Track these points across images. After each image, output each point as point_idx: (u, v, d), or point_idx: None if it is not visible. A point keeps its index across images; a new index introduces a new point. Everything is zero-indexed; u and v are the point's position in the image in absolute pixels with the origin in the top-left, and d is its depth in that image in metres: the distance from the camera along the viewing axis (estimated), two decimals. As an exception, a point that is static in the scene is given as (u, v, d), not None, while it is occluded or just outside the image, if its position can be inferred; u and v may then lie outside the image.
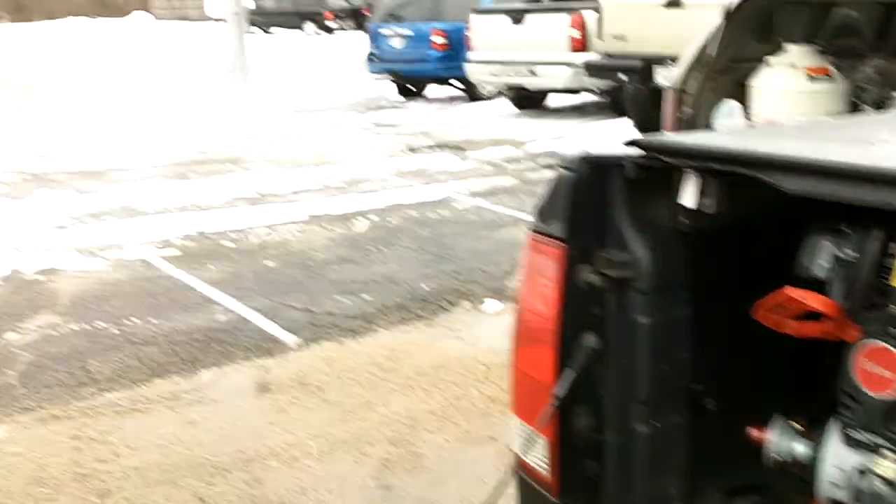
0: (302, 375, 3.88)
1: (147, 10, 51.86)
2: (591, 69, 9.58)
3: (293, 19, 37.37)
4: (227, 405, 3.64)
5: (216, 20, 41.29)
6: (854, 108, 4.68)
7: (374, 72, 14.42)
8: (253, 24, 25.79)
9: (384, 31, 14.05)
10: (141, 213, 6.79)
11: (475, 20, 11.81)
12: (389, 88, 14.65)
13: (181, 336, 4.32)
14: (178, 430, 3.39)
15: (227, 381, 3.86)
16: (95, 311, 4.68)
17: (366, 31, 15.71)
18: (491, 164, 8.70)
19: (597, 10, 9.26)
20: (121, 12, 52.60)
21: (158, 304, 4.78)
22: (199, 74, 14.14)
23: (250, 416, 3.54)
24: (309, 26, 37.00)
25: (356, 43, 24.27)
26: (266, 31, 36.25)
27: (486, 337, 4.28)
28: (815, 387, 1.52)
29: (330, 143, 10.12)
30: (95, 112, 12.74)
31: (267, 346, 4.21)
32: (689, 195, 1.37)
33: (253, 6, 33.90)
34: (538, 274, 1.42)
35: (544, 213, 1.45)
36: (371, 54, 14.41)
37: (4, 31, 39.59)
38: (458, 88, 13.61)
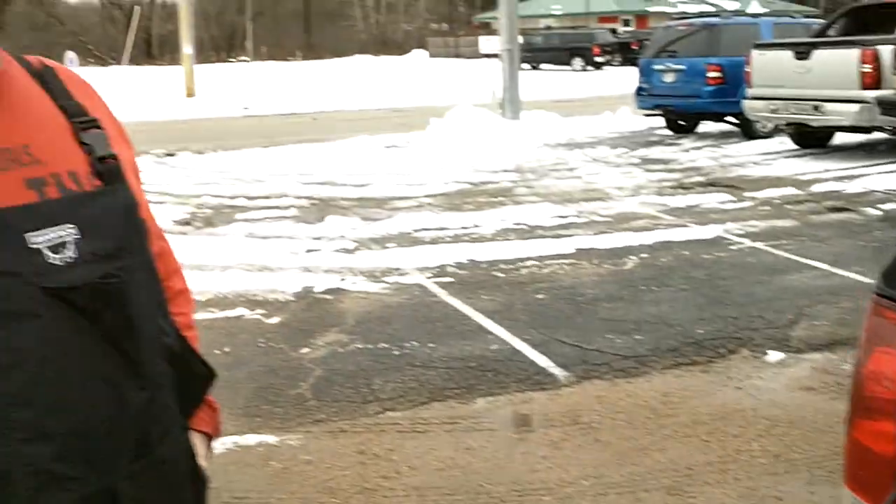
0: (574, 412, 3.87)
1: (424, 49, 54.79)
2: (886, 106, 8.90)
3: (561, 55, 37.97)
4: (501, 435, 3.70)
5: (488, 57, 42.82)
6: None
7: (643, 107, 14.28)
8: (523, 60, 26.36)
9: (656, 66, 13.88)
10: (418, 240, 7.12)
11: (756, 55, 11.37)
12: (659, 124, 14.44)
13: (457, 362, 4.46)
14: (455, 454, 3.50)
15: (500, 411, 3.93)
16: (378, 332, 4.94)
17: (634, 65, 15.58)
18: (769, 204, 8.29)
19: (894, 43, 8.61)
20: (400, 50, 55.93)
21: (435, 330, 4.97)
22: (471, 109, 14.65)
23: (523, 448, 3.58)
24: (577, 61, 37.42)
25: (624, 78, 24.23)
26: (535, 67, 37.12)
27: (768, 389, 4.06)
28: None
29: (598, 178, 10.11)
30: (374, 142, 13.59)
31: (538, 380, 4.25)
32: None
33: (522, 43, 34.65)
34: (884, 341, 1.32)
35: (893, 275, 1.35)
36: (641, 89, 14.28)
37: (298, 68, 43.35)
38: (733, 125, 13.14)
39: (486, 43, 47.59)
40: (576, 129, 14.51)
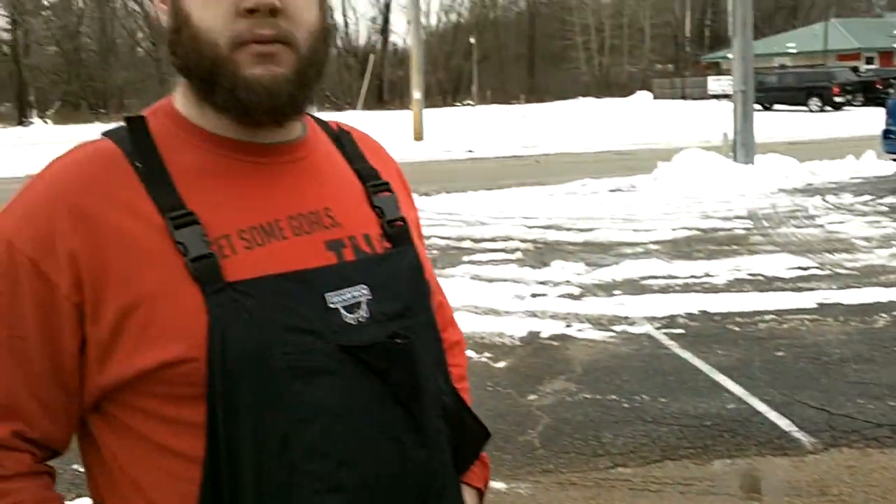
0: (821, 482, 3.60)
1: (648, 90, 54.11)
2: None
3: (797, 95, 36.13)
4: (741, 501, 3.49)
5: (717, 98, 41.62)
6: None
7: (891, 151, 13.27)
8: (755, 100, 25.37)
9: (907, 107, 12.88)
10: (646, 288, 6.95)
11: None
12: (909, 169, 13.38)
13: (691, 420, 4.27)
14: (691, 519, 3.33)
15: (739, 475, 3.71)
16: (606, 383, 4.84)
17: (878, 105, 14.54)
18: None
19: None
20: (624, 92, 55.57)
21: (666, 383, 4.80)
22: (700, 152, 14.22)
23: (766, 518, 3.36)
24: (814, 101, 35.49)
25: (867, 119, 22.66)
26: (767, 108, 35.57)
27: None
28: None
29: (841, 226, 9.48)
30: (598, 185, 13.48)
31: (781, 444, 3.98)
32: None
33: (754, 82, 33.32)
34: None
35: None
36: (888, 132, 13.27)
37: (521, 111, 44.03)
38: None
39: (716, 83, 46.32)
40: (815, 173, 13.73)
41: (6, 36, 55.74)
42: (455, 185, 14.21)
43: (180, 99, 1.07)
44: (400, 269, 1.08)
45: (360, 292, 1.02)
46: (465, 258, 8.38)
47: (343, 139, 1.17)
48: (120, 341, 0.95)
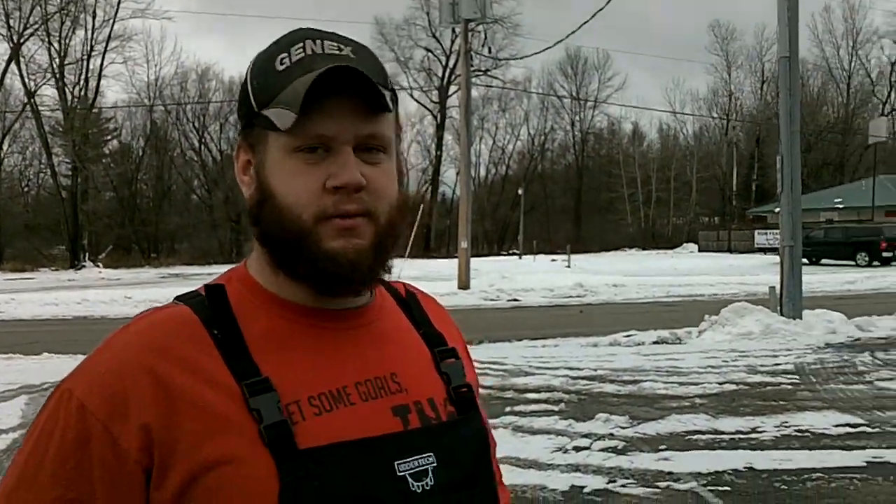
0: None
1: (694, 242, 54.45)
2: None
3: (844, 249, 36.12)
4: None
5: (763, 251, 41.63)
6: None
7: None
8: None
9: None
10: (692, 444, 6.83)
11: None
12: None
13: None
14: None
15: None
16: (649, 542, 4.72)
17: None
18: None
19: None
20: (669, 244, 56.01)
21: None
22: (747, 306, 14.17)
23: None
24: (861, 256, 35.35)
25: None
26: (814, 262, 35.47)
27: None
28: None
29: (889, 383, 9.28)
30: (643, 337, 13.41)
31: None
32: None
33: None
34: None
35: None
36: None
37: (566, 261, 44.31)
38: None
39: (762, 237, 46.46)
40: (863, 329, 13.55)
41: (66, 182, 57.96)
42: (499, 334, 14.26)
43: (255, 266, 1.10)
44: (466, 437, 1.09)
45: (427, 460, 1.03)
46: (508, 409, 8.33)
47: (410, 302, 1.21)
48: None
